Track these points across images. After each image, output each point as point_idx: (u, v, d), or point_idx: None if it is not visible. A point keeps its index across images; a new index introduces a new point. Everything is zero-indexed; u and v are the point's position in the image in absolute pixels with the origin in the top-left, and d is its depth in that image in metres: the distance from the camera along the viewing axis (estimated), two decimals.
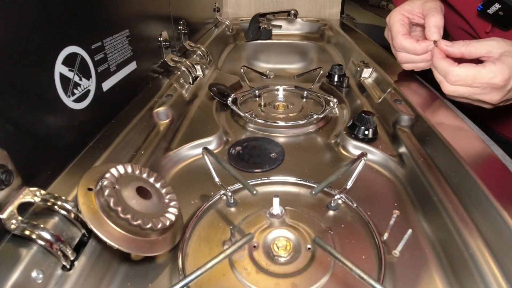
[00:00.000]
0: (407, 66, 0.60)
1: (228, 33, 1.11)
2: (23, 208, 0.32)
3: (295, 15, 1.07)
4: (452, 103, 0.55)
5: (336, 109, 0.65)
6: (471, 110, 0.57)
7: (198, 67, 0.73)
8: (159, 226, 0.34)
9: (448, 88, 0.48)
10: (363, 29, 1.07)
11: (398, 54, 0.59)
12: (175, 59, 0.69)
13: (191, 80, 0.69)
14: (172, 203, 0.38)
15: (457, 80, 0.47)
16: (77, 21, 0.42)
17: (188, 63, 0.70)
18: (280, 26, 1.16)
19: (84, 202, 0.33)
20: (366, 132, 0.52)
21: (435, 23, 0.53)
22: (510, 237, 0.30)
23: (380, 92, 0.64)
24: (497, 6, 0.51)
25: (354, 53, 0.84)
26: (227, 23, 1.12)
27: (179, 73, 0.67)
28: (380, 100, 0.61)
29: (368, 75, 0.71)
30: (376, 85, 0.68)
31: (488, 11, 0.52)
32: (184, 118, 0.59)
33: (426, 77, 0.63)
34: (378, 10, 2.40)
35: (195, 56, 0.78)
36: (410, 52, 0.56)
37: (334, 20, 1.18)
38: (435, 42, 0.52)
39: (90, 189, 0.35)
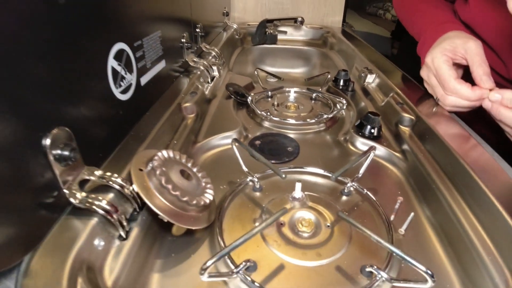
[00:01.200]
0: (450, 109, 0.59)
1: (237, 36, 1.17)
2: (80, 184, 0.36)
3: (301, 22, 1.13)
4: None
5: (343, 110, 0.71)
6: (464, 116, 0.63)
7: (214, 67, 0.78)
8: (202, 203, 0.40)
9: None
10: (361, 37, 1.14)
11: (447, 97, 0.58)
12: (194, 59, 0.75)
13: (209, 80, 0.75)
14: (208, 185, 0.44)
15: None
16: (124, 20, 0.47)
17: (206, 64, 0.76)
18: (285, 32, 1.22)
19: (137, 180, 0.38)
20: (372, 131, 0.59)
21: (483, 72, 0.53)
22: (498, 215, 0.37)
23: (383, 95, 0.71)
24: None
25: (357, 59, 0.91)
26: (234, 26, 1.18)
27: (199, 72, 0.73)
28: (383, 103, 0.68)
29: (372, 80, 0.78)
30: (379, 89, 0.75)
31: None
32: (207, 114, 0.64)
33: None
34: (375, 19, 2.51)
35: (210, 57, 0.84)
36: (463, 98, 0.55)
37: (336, 28, 1.25)
38: (490, 90, 0.52)
39: (140, 170, 0.40)
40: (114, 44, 0.44)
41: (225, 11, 1.15)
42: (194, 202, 0.39)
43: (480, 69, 0.53)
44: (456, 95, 0.56)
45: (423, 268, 0.31)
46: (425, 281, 0.31)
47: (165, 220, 0.37)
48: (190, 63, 0.73)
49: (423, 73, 0.64)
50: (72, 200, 0.35)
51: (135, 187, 0.38)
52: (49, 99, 0.32)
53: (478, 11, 0.65)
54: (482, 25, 0.63)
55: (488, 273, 0.35)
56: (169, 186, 0.38)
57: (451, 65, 0.58)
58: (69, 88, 0.35)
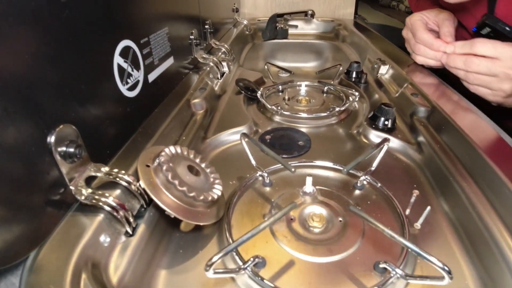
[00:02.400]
0: (419, 59, 0.69)
1: (247, 32, 1.16)
2: (87, 181, 0.36)
3: (312, 15, 1.11)
4: (464, 96, 0.60)
5: (356, 102, 0.69)
6: (482, 104, 0.61)
7: (224, 63, 0.78)
8: (209, 199, 0.39)
9: (469, 79, 0.58)
10: (374, 29, 1.11)
11: (416, 45, 0.69)
12: (204, 56, 0.74)
13: (219, 76, 0.74)
14: (217, 181, 0.43)
15: (478, 70, 0.55)
16: (130, 18, 0.47)
17: (215, 60, 0.75)
18: (296, 26, 1.20)
19: (144, 176, 0.38)
20: (386, 123, 0.57)
21: (448, 31, 0.65)
22: None
23: (397, 87, 0.69)
24: (487, 29, 0.59)
25: (370, 51, 0.89)
26: (245, 22, 1.17)
27: (208, 69, 0.72)
28: (397, 94, 0.66)
29: (385, 71, 0.75)
30: (393, 81, 0.72)
31: (481, 32, 0.60)
32: (216, 110, 0.63)
33: (439, 73, 0.68)
34: (389, 10, 2.44)
35: (220, 53, 0.83)
36: (427, 45, 0.66)
37: (348, 20, 1.22)
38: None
39: (147, 166, 0.40)
40: (119, 42, 0.44)
41: (234, 8, 1.14)
42: (202, 197, 0.38)
43: (446, 29, 0.65)
44: (422, 42, 0.67)
45: (440, 264, 0.29)
46: (442, 277, 0.29)
47: (172, 216, 0.37)
48: (200, 60, 0.73)
49: (403, 32, 0.74)
50: (78, 196, 0.34)
51: (141, 183, 0.37)
52: (54, 96, 0.32)
53: None
54: None
55: (510, 270, 0.33)
56: (176, 182, 0.37)
57: (425, 24, 0.68)
58: (74, 86, 0.35)
